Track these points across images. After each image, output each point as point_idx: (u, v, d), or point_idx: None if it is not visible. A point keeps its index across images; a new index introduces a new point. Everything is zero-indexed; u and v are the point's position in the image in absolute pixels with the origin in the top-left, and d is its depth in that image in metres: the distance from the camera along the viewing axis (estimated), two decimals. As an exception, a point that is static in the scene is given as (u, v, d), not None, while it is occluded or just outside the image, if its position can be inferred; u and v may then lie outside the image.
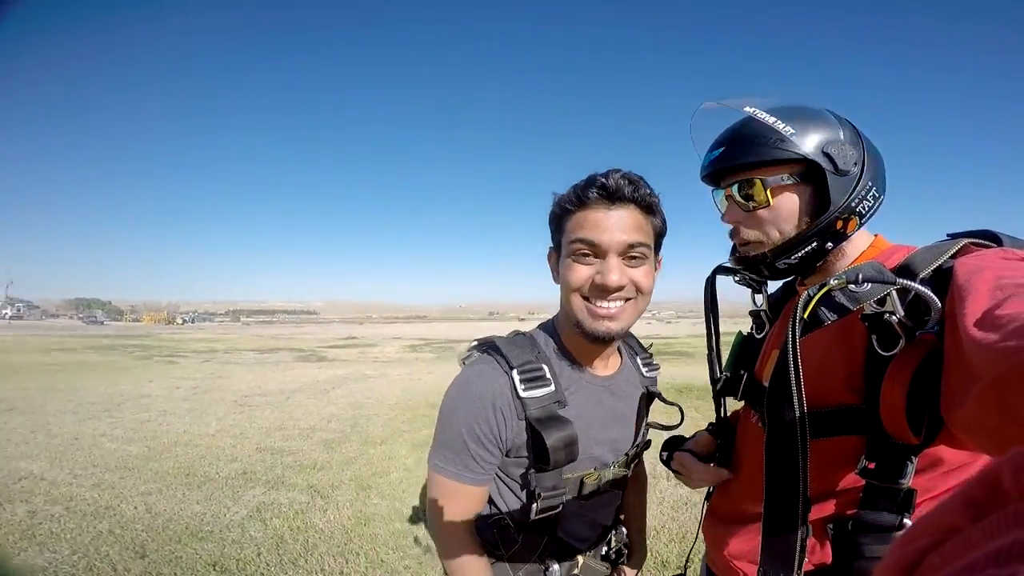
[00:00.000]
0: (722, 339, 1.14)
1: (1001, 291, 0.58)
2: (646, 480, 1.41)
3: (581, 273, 0.94)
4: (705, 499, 1.17)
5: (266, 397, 8.68)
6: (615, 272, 0.91)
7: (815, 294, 0.73)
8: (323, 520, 3.52)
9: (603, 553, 1.19)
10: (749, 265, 0.94)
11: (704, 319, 1.13)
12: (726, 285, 1.09)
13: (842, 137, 0.83)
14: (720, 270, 1.06)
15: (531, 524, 1.01)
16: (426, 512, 1.11)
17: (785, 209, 0.86)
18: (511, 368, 0.96)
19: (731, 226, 0.95)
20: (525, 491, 1.02)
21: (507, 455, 1.00)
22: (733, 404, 1.13)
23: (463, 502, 1.00)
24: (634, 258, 0.94)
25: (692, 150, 0.98)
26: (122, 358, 16.63)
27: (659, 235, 1.01)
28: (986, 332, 0.54)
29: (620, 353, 1.17)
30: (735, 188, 0.90)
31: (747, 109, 0.86)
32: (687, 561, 1.30)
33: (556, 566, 1.06)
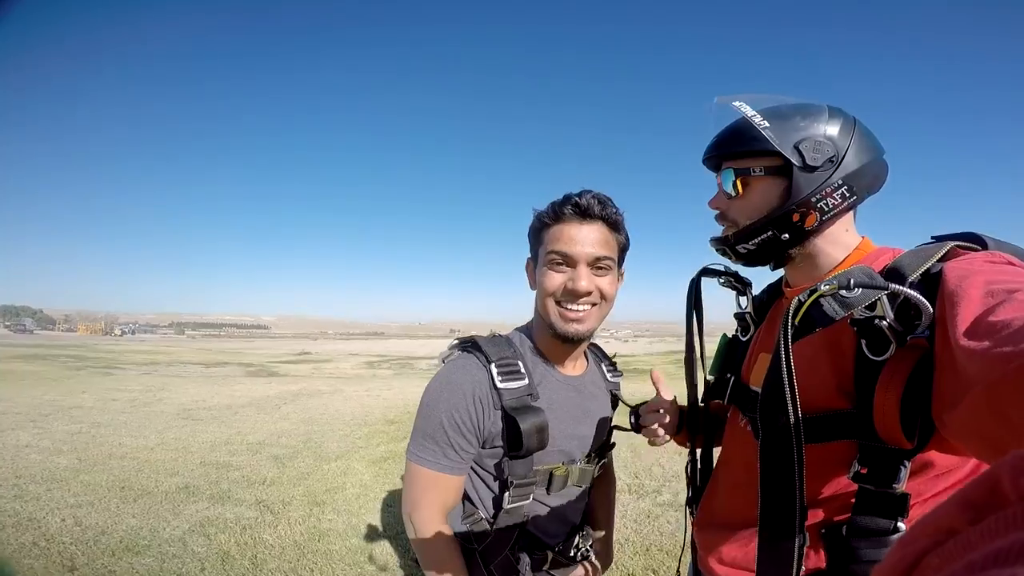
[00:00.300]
0: (704, 341, 1.14)
1: (992, 297, 0.58)
2: (614, 482, 1.45)
3: (555, 280, 1.06)
4: (686, 504, 1.16)
5: (212, 411, 8.27)
6: (584, 279, 1.04)
7: (806, 300, 0.72)
8: (273, 536, 3.32)
9: (571, 554, 1.21)
10: (716, 247, 0.98)
11: (685, 321, 1.13)
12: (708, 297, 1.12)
13: (824, 134, 0.84)
14: (705, 272, 1.08)
15: (503, 517, 1.07)
16: (402, 504, 1.09)
17: (756, 199, 0.89)
18: (489, 362, 1.05)
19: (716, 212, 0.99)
20: (498, 482, 1.09)
21: (483, 446, 1.06)
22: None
23: (440, 492, 1.05)
24: (600, 268, 1.07)
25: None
26: (52, 368, 15.63)
27: (623, 250, 1.14)
28: (979, 338, 0.54)
29: (587, 358, 1.28)
30: (722, 176, 0.94)
31: (735, 104, 0.89)
32: (678, 570, 1.25)
33: (526, 558, 1.10)
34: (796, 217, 0.85)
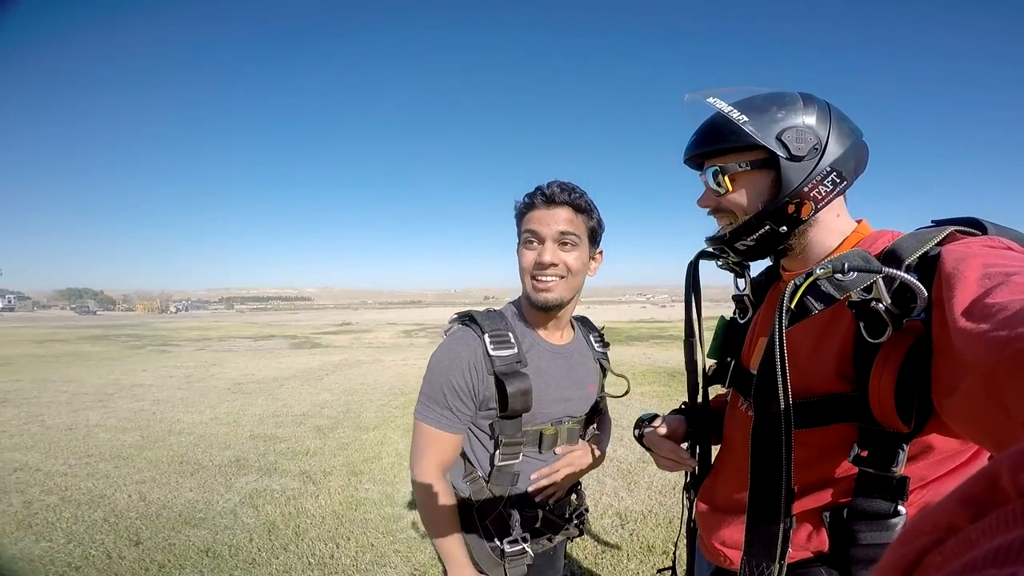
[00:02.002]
0: (703, 324, 1.15)
1: (989, 280, 0.58)
2: (610, 421, 1.54)
3: (528, 256, 1.20)
4: (684, 489, 1.19)
5: (259, 384, 8.72)
6: (549, 253, 1.18)
7: (802, 283, 0.73)
8: (315, 506, 3.58)
9: (565, 514, 1.35)
10: (715, 247, 0.98)
11: (684, 303, 1.15)
12: (709, 271, 1.12)
13: (804, 123, 0.84)
14: (703, 255, 1.08)
15: (496, 475, 1.22)
16: (409, 457, 1.25)
17: (746, 194, 0.89)
18: (483, 333, 1.20)
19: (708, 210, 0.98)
20: (492, 441, 1.23)
21: (480, 408, 1.20)
22: (713, 389, 1.16)
23: (439, 448, 1.19)
24: (565, 244, 1.19)
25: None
26: (115, 348, 16.61)
27: (593, 231, 1.25)
28: (976, 322, 0.54)
29: (573, 328, 1.41)
30: (707, 175, 0.93)
31: (709, 100, 0.88)
32: (675, 554, 1.34)
33: (517, 515, 1.22)
34: (791, 209, 0.85)
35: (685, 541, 1.22)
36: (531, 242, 1.20)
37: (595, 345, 1.43)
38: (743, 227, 0.90)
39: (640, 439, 1.19)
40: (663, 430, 1.13)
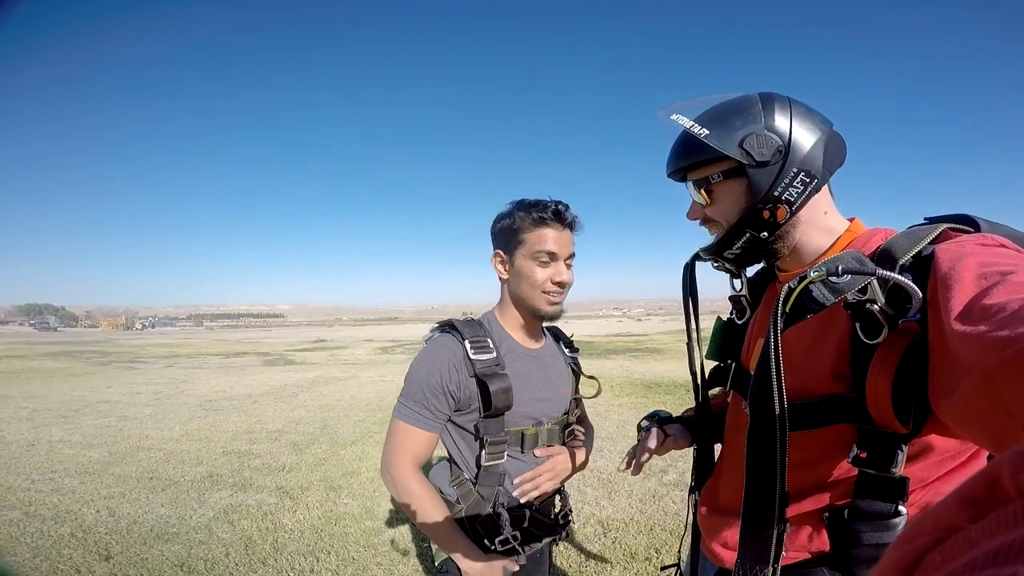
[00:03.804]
0: (700, 327, 1.17)
1: (985, 280, 0.57)
2: (592, 427, 1.61)
3: (543, 273, 1.28)
4: (690, 492, 1.18)
5: (232, 401, 8.51)
6: (566, 274, 1.30)
7: (796, 287, 0.73)
8: (292, 520, 3.50)
9: (551, 514, 1.40)
10: (708, 257, 1.01)
11: (683, 306, 1.16)
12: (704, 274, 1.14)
13: (764, 126, 0.84)
14: (699, 256, 1.09)
15: (483, 476, 1.26)
16: (381, 461, 1.27)
17: (725, 204, 0.90)
18: (464, 339, 1.25)
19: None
20: (477, 442, 1.27)
21: (459, 409, 1.25)
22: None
23: (414, 444, 1.24)
24: (568, 264, 1.32)
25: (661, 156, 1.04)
26: (78, 364, 16.03)
27: None
28: (974, 323, 0.53)
29: (544, 334, 1.49)
30: (690, 187, 0.95)
31: (672, 117, 0.89)
32: (680, 552, 1.33)
33: (506, 514, 1.25)
34: (766, 214, 0.86)
35: (690, 542, 1.21)
36: (546, 262, 1.28)
37: (565, 350, 1.52)
38: (727, 237, 0.91)
39: (641, 427, 1.24)
40: (652, 443, 1.16)
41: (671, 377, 9.43)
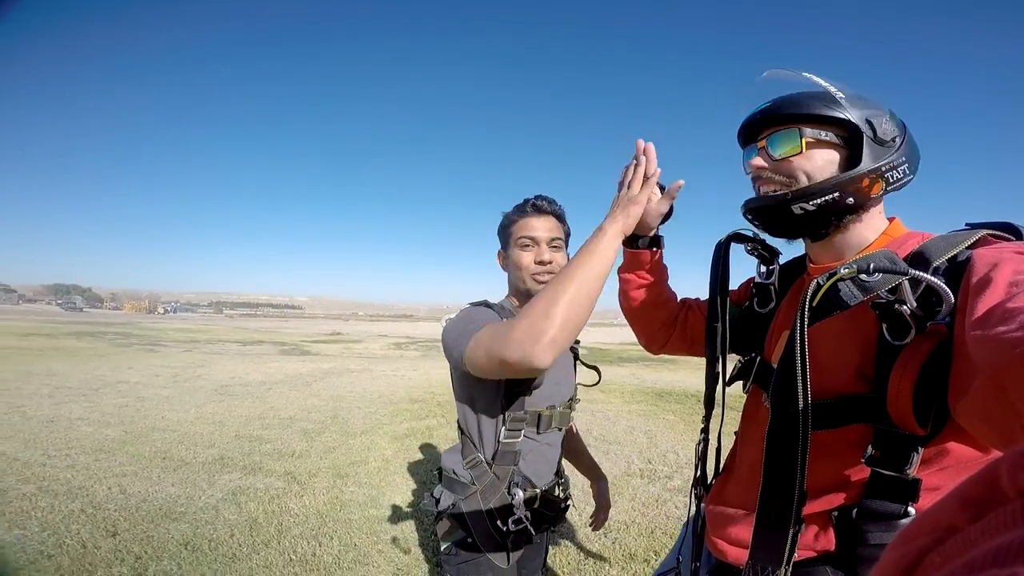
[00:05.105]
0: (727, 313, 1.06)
1: (1016, 287, 0.57)
2: (576, 431, 1.78)
3: (527, 257, 1.38)
4: (692, 486, 1.15)
5: (247, 387, 8.61)
6: (546, 253, 1.37)
7: (825, 283, 0.71)
8: (298, 505, 3.52)
9: (556, 494, 1.45)
10: (763, 206, 0.91)
11: (710, 288, 1.09)
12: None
13: (888, 117, 0.85)
14: (735, 237, 1.06)
15: (500, 455, 1.30)
16: (475, 355, 1.07)
17: (818, 161, 0.86)
18: (499, 314, 1.30)
19: (755, 174, 0.93)
20: (497, 418, 1.32)
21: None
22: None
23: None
24: (555, 247, 1.39)
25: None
26: (101, 345, 16.41)
27: (567, 235, 1.45)
28: (992, 325, 0.53)
29: None
30: (771, 138, 0.89)
31: (805, 74, 0.88)
32: (679, 550, 1.30)
33: (520, 493, 1.30)
34: (865, 182, 0.83)
35: (690, 537, 1.16)
36: (528, 245, 1.37)
37: None
38: (810, 189, 0.85)
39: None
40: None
41: (682, 387, 9.31)
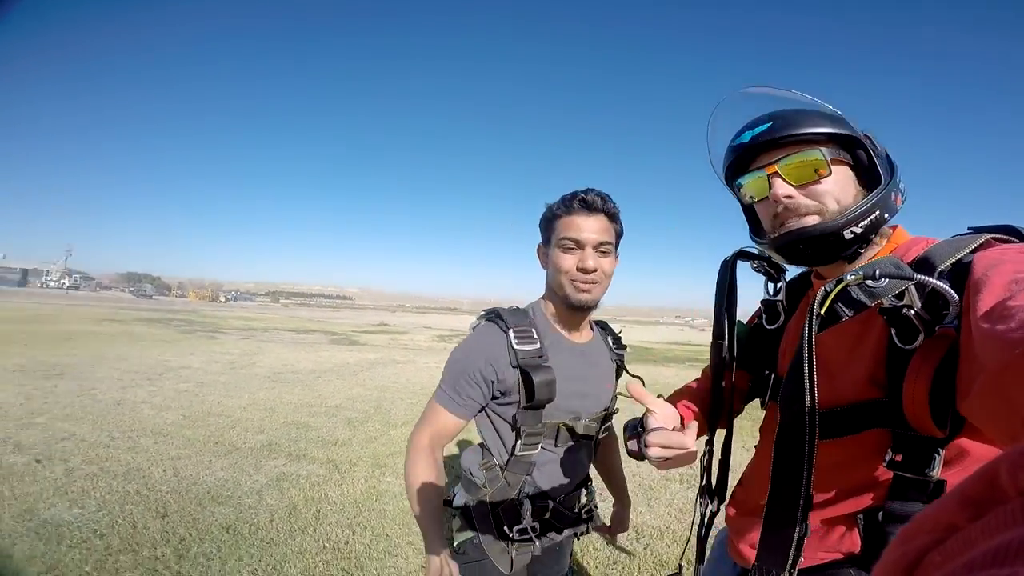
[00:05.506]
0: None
1: (1017, 284, 0.57)
2: (617, 441, 1.61)
3: (568, 260, 1.26)
4: (698, 495, 1.14)
5: (297, 375, 8.95)
6: (591, 259, 1.25)
7: (832, 290, 0.72)
8: (337, 493, 3.63)
9: (574, 508, 1.39)
10: (815, 235, 0.84)
11: (715, 305, 1.07)
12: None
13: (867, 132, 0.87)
14: (740, 255, 1.05)
15: (514, 464, 1.27)
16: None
17: (843, 181, 0.84)
18: (508, 328, 1.26)
19: (777, 203, 0.86)
20: (513, 432, 1.28)
21: (498, 397, 1.27)
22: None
23: (439, 423, 1.28)
24: (602, 252, 1.27)
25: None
26: (167, 331, 17.39)
27: (618, 237, 1.34)
28: (993, 323, 0.54)
29: (592, 329, 1.47)
30: (787, 160, 0.84)
31: (793, 92, 0.87)
32: (683, 558, 1.32)
33: (528, 504, 1.27)
34: (894, 196, 0.84)
35: (695, 545, 1.18)
36: (571, 248, 1.26)
37: (612, 347, 1.50)
38: (855, 213, 0.81)
39: (639, 448, 0.96)
40: (655, 421, 0.93)
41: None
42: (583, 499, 1.42)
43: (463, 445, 3.37)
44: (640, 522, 3.36)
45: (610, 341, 1.51)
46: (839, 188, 0.84)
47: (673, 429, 0.92)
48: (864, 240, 0.85)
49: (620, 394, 1.38)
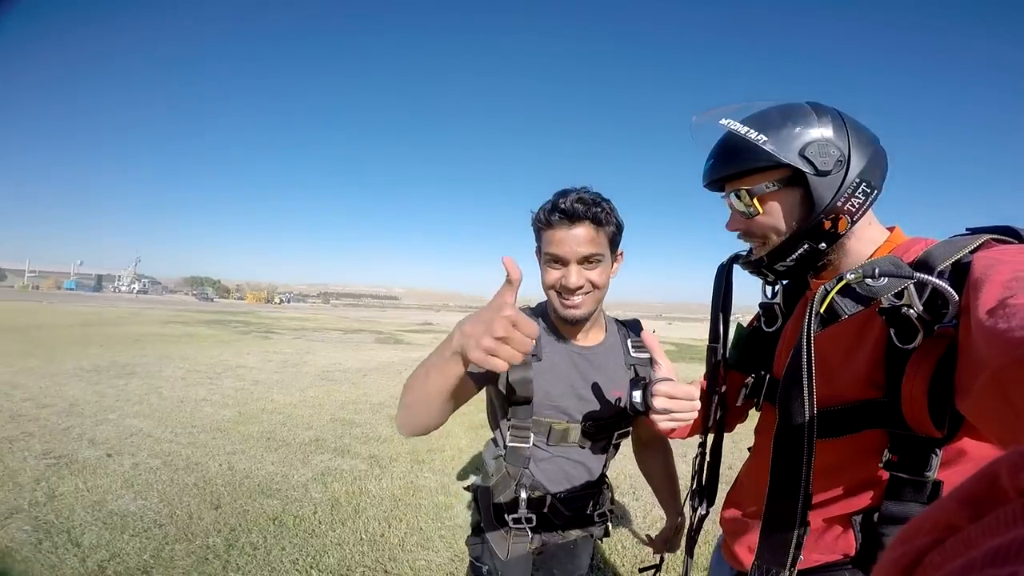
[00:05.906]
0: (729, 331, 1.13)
1: (1016, 283, 0.58)
2: (667, 446, 1.58)
3: (552, 276, 1.22)
4: (689, 497, 1.19)
5: (345, 373, 9.26)
6: (574, 276, 1.18)
7: (831, 288, 0.73)
8: (377, 487, 3.80)
9: (585, 510, 1.39)
10: (751, 270, 0.96)
11: (711, 309, 1.11)
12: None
13: (823, 136, 0.81)
14: (736, 259, 1.06)
15: (510, 455, 1.29)
16: None
17: (776, 214, 0.86)
18: None
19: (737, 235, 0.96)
20: (502, 425, 1.33)
21: (493, 385, 1.27)
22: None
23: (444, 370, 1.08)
24: (590, 263, 1.20)
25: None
26: (225, 332, 18.20)
27: (612, 238, 1.23)
28: (992, 323, 0.54)
29: (606, 330, 1.40)
30: (731, 196, 0.90)
31: (722, 123, 0.86)
32: (662, 556, 1.40)
33: (524, 494, 1.28)
34: (828, 225, 0.83)
35: (684, 546, 1.22)
36: (554, 263, 1.20)
37: (631, 350, 1.39)
38: (781, 248, 0.87)
39: (644, 402, 1.00)
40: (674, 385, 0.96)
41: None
42: (598, 501, 1.41)
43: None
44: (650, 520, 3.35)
45: (630, 343, 1.40)
46: (777, 221, 0.87)
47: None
48: (810, 265, 0.89)
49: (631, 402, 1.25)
